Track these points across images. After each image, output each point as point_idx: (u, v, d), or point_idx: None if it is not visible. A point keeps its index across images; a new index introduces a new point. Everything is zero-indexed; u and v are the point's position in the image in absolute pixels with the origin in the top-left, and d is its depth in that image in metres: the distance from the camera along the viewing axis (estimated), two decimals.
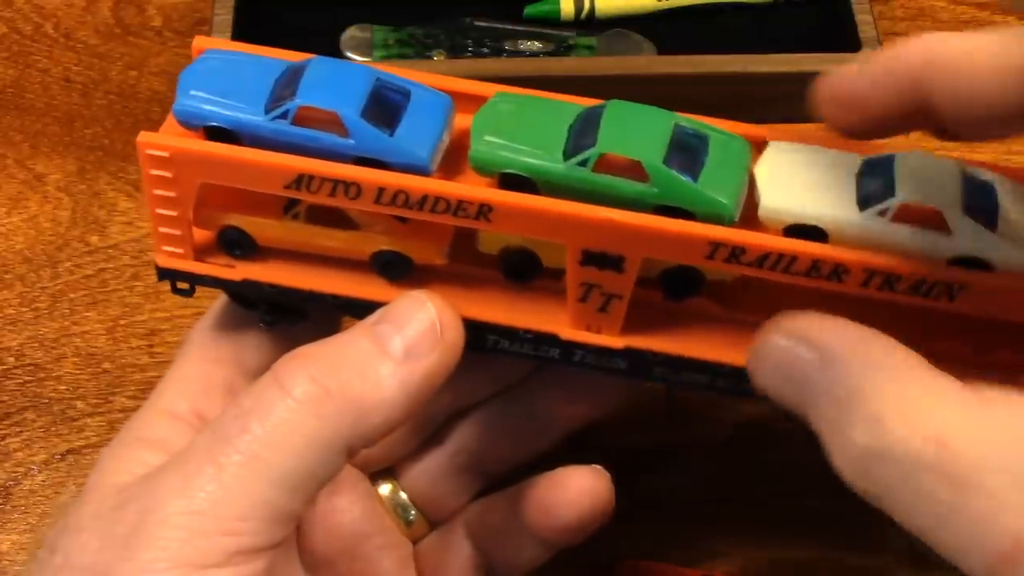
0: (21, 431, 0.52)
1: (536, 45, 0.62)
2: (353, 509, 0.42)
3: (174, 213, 0.36)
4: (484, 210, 0.34)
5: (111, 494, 0.34)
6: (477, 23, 0.62)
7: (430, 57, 0.60)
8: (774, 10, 0.64)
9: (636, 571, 0.46)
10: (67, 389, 0.53)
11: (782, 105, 0.61)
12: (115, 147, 0.61)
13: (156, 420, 0.38)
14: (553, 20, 0.63)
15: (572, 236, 0.34)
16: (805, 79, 0.59)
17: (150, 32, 0.65)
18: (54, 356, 0.54)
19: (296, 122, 0.34)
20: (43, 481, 0.51)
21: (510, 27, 0.62)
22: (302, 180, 0.34)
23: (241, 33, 0.59)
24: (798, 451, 0.51)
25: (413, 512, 0.43)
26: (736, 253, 0.33)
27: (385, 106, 0.35)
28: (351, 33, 0.61)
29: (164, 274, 0.38)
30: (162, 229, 0.37)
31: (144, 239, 0.57)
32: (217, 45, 0.38)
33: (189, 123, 0.35)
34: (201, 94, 0.35)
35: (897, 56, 0.31)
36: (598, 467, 0.39)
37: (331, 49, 0.60)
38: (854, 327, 0.31)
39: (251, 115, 0.35)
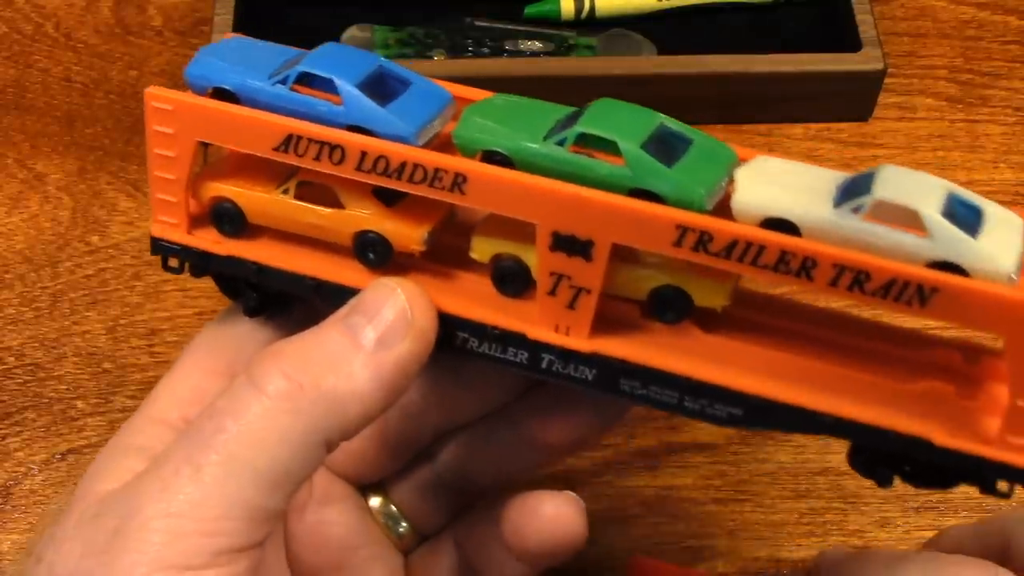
0: (21, 431, 0.52)
1: (536, 45, 0.62)
2: (342, 521, 0.42)
3: (172, 176, 0.38)
4: (459, 181, 0.35)
5: (94, 502, 0.34)
6: (477, 23, 0.62)
7: (430, 57, 0.60)
8: (774, 10, 0.64)
9: (637, 570, 0.46)
10: (67, 389, 0.53)
11: (782, 105, 0.61)
12: (115, 147, 0.61)
13: (146, 427, 0.38)
14: (553, 20, 0.63)
15: (542, 214, 0.34)
16: (805, 79, 0.60)
17: (150, 32, 0.65)
18: (54, 356, 0.54)
19: (295, 89, 0.36)
20: (43, 481, 0.51)
21: (510, 27, 0.62)
22: (290, 141, 0.36)
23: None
24: (798, 451, 0.51)
25: (403, 524, 0.43)
26: (704, 240, 0.33)
27: (383, 86, 0.37)
28: (351, 33, 0.61)
29: (156, 246, 0.39)
30: (159, 195, 0.38)
31: (144, 239, 0.57)
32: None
33: (197, 84, 0.37)
34: (212, 60, 0.37)
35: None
36: (570, 494, 0.39)
37: None
38: None
39: (253, 79, 0.37)
